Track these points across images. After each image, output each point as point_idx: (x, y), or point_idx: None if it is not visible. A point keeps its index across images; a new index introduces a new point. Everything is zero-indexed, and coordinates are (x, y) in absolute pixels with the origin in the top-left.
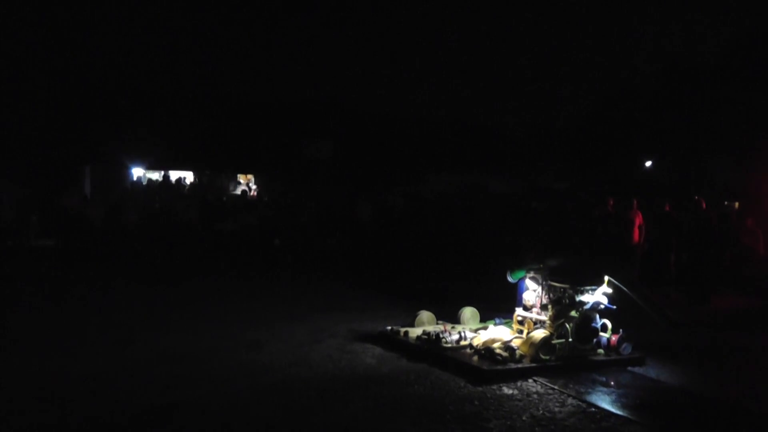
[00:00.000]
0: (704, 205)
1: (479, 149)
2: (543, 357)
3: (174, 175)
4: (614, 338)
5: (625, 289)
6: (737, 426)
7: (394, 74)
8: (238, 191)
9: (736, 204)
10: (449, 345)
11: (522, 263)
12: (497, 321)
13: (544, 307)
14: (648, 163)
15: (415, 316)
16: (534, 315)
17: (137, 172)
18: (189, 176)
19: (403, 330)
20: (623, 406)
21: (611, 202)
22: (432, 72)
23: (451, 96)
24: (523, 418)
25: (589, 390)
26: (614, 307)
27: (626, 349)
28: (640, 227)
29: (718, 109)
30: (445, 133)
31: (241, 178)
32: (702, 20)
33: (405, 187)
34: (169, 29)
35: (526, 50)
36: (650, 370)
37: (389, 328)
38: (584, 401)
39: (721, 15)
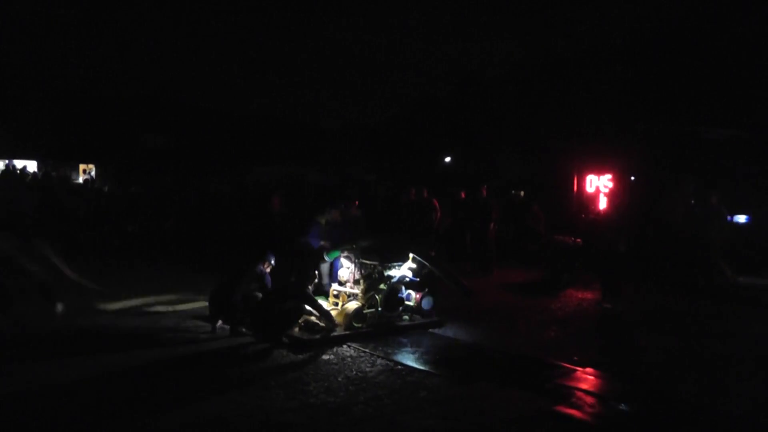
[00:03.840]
0: (485, 193)
1: (299, 143)
2: (356, 325)
3: (18, 164)
4: (418, 296)
5: (426, 263)
6: (518, 370)
7: (225, 72)
8: (81, 180)
9: (522, 192)
10: None
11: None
12: None
13: (356, 282)
14: (447, 159)
15: None
16: (348, 289)
17: None
18: (31, 165)
19: None
20: (425, 362)
21: (413, 192)
22: (259, 70)
23: (278, 94)
24: (339, 379)
25: (396, 351)
26: (417, 279)
27: (426, 304)
28: (435, 211)
29: (506, 113)
30: (270, 127)
31: (82, 168)
32: (491, 39)
33: (231, 176)
34: (6, 18)
35: (347, 52)
36: (448, 331)
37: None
38: (392, 360)
39: (507, 36)
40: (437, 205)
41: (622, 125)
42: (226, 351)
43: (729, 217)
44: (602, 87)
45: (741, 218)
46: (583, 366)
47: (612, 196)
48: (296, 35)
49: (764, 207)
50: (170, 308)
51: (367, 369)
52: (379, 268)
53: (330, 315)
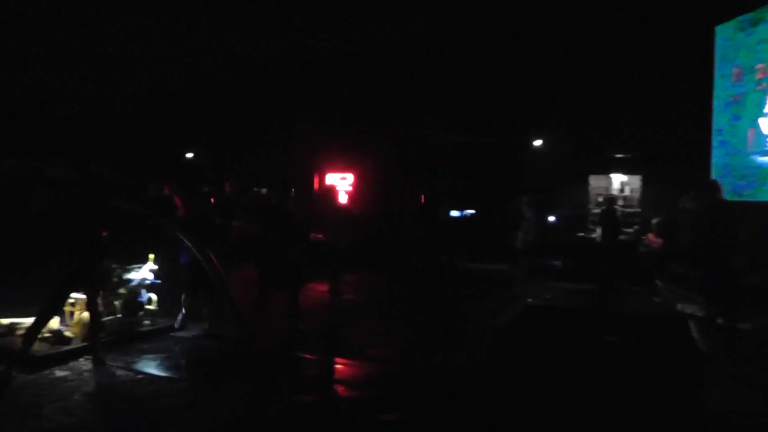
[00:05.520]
0: (228, 189)
1: (36, 136)
2: None
3: None
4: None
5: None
6: (266, 364)
7: None
8: None
9: (263, 190)
10: None
11: None
12: None
13: None
14: (190, 155)
15: None
16: (84, 296)
17: None
18: None
19: None
20: (168, 368)
21: (152, 188)
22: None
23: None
24: (76, 396)
25: (137, 359)
26: (159, 281)
27: (180, 322)
28: (178, 206)
29: (251, 110)
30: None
31: None
32: (238, 35)
33: None
34: None
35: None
36: (191, 332)
37: None
38: (133, 370)
39: (253, 33)
40: (179, 202)
41: (362, 127)
42: None
43: (459, 213)
44: (343, 89)
45: (469, 212)
46: (328, 356)
47: (339, 194)
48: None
49: (487, 203)
50: None
51: (107, 382)
52: (119, 270)
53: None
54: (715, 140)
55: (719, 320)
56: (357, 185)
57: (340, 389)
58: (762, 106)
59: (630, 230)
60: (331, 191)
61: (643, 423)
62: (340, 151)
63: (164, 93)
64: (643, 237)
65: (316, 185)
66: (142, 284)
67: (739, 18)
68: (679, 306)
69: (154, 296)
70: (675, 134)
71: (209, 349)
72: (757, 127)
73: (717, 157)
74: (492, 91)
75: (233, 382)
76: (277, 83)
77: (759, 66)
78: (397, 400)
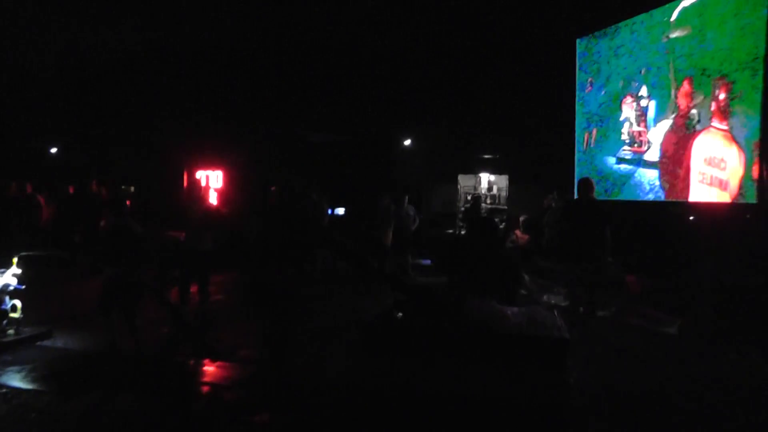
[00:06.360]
0: (95, 188)
1: None
2: None
3: None
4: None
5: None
6: (134, 372)
7: None
8: None
9: (132, 187)
10: None
11: None
12: None
13: None
14: (53, 150)
15: None
16: None
17: None
18: None
19: None
20: (33, 380)
21: (14, 186)
22: None
23: None
24: None
25: (0, 371)
26: (23, 286)
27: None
28: (42, 206)
29: (118, 104)
30: None
31: None
32: (107, 23)
33: None
34: None
35: None
36: (58, 341)
37: None
38: None
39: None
40: (43, 201)
41: (233, 124)
42: None
43: (330, 210)
44: (212, 84)
45: (340, 211)
46: (199, 359)
47: (203, 192)
48: None
49: (356, 202)
50: None
51: None
52: None
53: None
54: (578, 144)
55: (581, 309)
56: (226, 183)
57: (211, 392)
58: (618, 114)
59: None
60: (193, 189)
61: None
62: (208, 148)
63: (25, 82)
64: (511, 233)
65: (185, 183)
66: (5, 290)
67: (597, 32)
68: (545, 297)
69: (18, 303)
70: (540, 137)
71: (75, 358)
72: (614, 133)
73: (580, 161)
74: (362, 90)
75: (100, 391)
76: (147, 76)
77: (608, 77)
78: (269, 400)
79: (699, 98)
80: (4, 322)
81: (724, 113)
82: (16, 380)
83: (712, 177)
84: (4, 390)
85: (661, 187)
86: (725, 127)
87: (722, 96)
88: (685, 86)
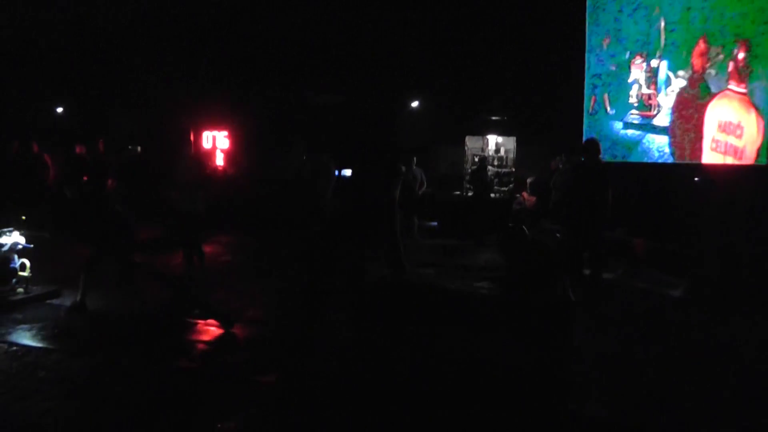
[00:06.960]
0: (102, 148)
1: None
2: None
3: None
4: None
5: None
6: (143, 332)
7: None
8: None
9: (139, 148)
10: None
11: None
12: None
13: None
14: (59, 110)
15: None
16: None
17: None
18: None
19: None
20: (43, 338)
21: (17, 145)
22: None
23: None
24: None
25: (10, 329)
26: (31, 245)
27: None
28: (48, 166)
29: (119, 64)
30: None
31: None
32: None
33: None
34: None
35: None
36: (66, 300)
37: None
38: (5, 341)
39: None
40: (49, 161)
41: (238, 86)
42: None
43: (336, 172)
44: (218, 45)
45: (347, 172)
46: (204, 319)
47: (203, 155)
48: None
49: (360, 162)
50: None
51: None
52: None
53: None
54: (587, 106)
55: (586, 271)
56: (231, 145)
57: (218, 353)
58: (627, 75)
59: (505, 189)
60: (181, 145)
61: (520, 366)
62: (213, 110)
63: (30, 43)
64: (518, 195)
65: (191, 144)
66: (14, 249)
67: None
68: None
69: (27, 262)
70: (549, 98)
71: (83, 317)
72: (623, 96)
73: (588, 124)
74: (368, 52)
75: (104, 351)
76: (152, 36)
77: (625, 35)
78: (275, 362)
79: (715, 58)
80: (14, 280)
81: (743, 75)
82: (26, 338)
83: (726, 144)
84: (15, 347)
85: (672, 154)
86: (743, 90)
87: (741, 55)
88: (701, 45)
